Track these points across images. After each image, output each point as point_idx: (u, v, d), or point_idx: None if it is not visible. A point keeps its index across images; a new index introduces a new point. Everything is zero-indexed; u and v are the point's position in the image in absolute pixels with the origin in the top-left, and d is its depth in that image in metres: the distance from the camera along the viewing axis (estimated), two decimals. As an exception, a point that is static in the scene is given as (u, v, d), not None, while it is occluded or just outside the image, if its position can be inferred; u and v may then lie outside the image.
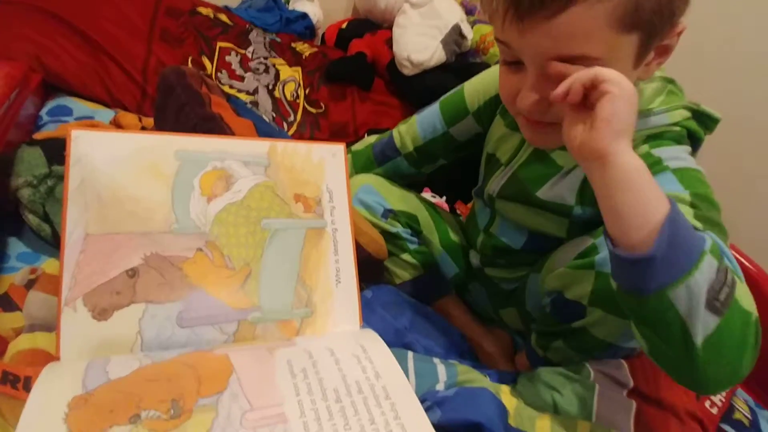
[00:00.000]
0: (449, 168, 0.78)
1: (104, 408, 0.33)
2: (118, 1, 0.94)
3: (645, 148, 0.49)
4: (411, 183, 1.06)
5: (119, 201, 0.45)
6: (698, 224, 0.42)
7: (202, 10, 1.10)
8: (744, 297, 0.36)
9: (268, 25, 1.21)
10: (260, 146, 0.52)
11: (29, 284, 0.48)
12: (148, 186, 0.46)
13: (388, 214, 0.71)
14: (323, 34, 1.37)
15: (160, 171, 0.47)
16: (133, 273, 0.44)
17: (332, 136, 1.13)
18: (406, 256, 0.71)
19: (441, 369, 0.46)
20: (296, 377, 0.39)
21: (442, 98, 0.72)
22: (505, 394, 0.48)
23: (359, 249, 0.57)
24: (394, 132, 0.75)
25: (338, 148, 0.56)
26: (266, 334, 0.47)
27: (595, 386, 0.50)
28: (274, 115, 1.09)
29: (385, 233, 0.69)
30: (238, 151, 0.51)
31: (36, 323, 0.46)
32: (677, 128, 0.51)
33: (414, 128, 0.73)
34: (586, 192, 0.54)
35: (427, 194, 1.05)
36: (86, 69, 0.85)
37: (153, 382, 0.36)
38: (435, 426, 0.38)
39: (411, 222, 0.73)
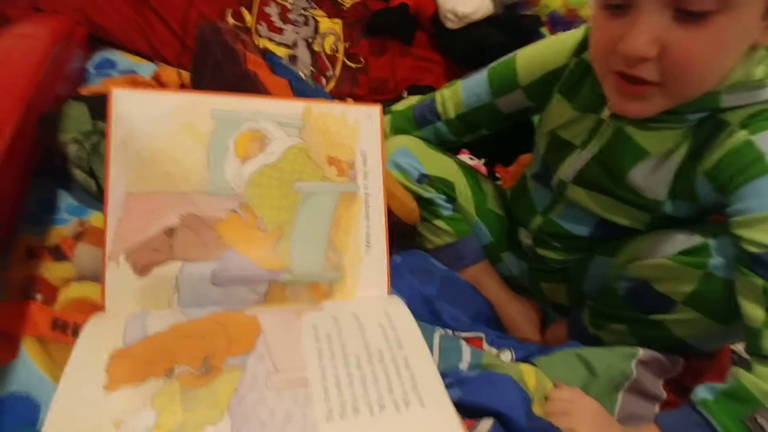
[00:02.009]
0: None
1: (141, 360, 0.35)
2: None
3: (743, 134, 0.43)
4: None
5: (157, 161, 0.46)
6: None
7: (239, -42, 1.07)
8: None
9: (309, -27, 1.17)
10: (295, 107, 0.51)
11: (78, 236, 0.51)
12: (185, 146, 0.47)
13: (423, 179, 0.69)
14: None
15: (196, 130, 0.47)
16: (170, 232, 0.45)
17: (371, 93, 1.10)
18: (439, 222, 0.70)
19: (466, 349, 0.46)
20: (320, 342, 0.39)
21: (491, 65, 0.68)
22: (528, 375, 0.48)
23: (389, 214, 0.56)
24: (437, 95, 0.72)
25: (374, 111, 0.55)
26: (296, 296, 0.48)
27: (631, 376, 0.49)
28: (313, 69, 1.07)
29: (418, 198, 0.68)
30: (272, 112, 0.50)
31: (85, 274, 0.48)
32: None
33: (458, 94, 0.70)
34: (679, 184, 0.49)
35: (465, 156, 1.02)
36: (129, 22, 0.85)
37: (187, 339, 0.38)
38: (454, 404, 0.39)
39: (446, 188, 0.71)
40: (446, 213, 0.72)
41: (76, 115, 0.53)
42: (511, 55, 0.65)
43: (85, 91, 0.66)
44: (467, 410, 0.39)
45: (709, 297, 0.45)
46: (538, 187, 0.66)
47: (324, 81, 1.08)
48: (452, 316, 0.54)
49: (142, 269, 0.44)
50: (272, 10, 1.06)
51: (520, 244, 0.70)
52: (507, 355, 0.54)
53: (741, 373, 0.40)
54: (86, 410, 0.31)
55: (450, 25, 1.06)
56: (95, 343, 0.36)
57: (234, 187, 0.48)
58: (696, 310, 0.47)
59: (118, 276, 0.43)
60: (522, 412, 0.39)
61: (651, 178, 0.50)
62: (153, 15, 0.88)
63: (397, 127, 0.75)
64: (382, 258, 0.52)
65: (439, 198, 0.71)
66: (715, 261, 0.45)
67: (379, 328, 0.43)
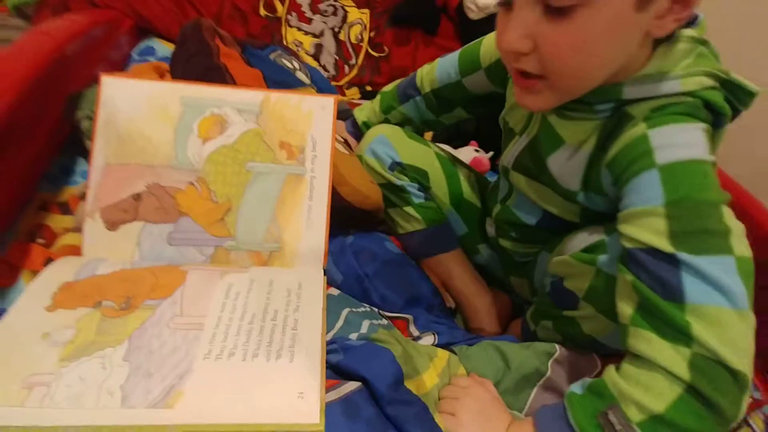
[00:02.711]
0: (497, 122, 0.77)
1: (80, 293, 0.44)
2: (204, -53, 1.04)
3: (642, 128, 0.42)
4: (456, 135, 1.05)
5: (133, 138, 0.56)
6: (666, 244, 0.38)
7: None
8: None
9: (345, -36, 1.23)
10: (255, 96, 0.59)
11: (83, 195, 0.63)
12: (156, 126, 0.56)
13: (396, 166, 0.73)
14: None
15: (167, 114, 0.56)
16: (137, 197, 0.55)
17: (392, 81, 1.14)
18: (409, 209, 0.74)
19: (366, 324, 0.51)
20: (228, 298, 0.47)
21: (465, 46, 0.71)
22: (440, 359, 0.50)
23: (338, 198, 0.62)
24: (418, 71, 0.76)
25: (328, 101, 0.60)
26: (238, 260, 0.56)
27: (545, 374, 0.50)
28: (337, 57, 1.14)
29: (390, 185, 0.72)
30: (234, 100, 0.58)
31: (81, 226, 0.60)
32: (690, 99, 0.43)
33: (434, 71, 0.73)
34: (591, 178, 0.49)
35: (471, 148, 1.03)
36: (169, 13, 0.97)
37: (121, 282, 0.47)
38: (333, 366, 0.44)
39: (419, 177, 0.74)
40: (417, 201, 0.75)
41: (91, 97, 0.65)
42: (482, 37, 0.67)
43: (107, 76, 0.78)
44: (343, 373, 0.44)
45: (600, 294, 0.45)
46: (500, 176, 0.68)
47: (347, 69, 1.14)
48: (382, 297, 0.59)
49: (112, 225, 0.54)
50: (303, 1, 1.13)
51: None
52: (429, 339, 0.57)
53: (609, 369, 0.40)
54: (26, 322, 0.41)
55: (472, 15, 1.07)
56: (53, 275, 0.46)
57: (194, 163, 0.56)
58: (593, 307, 0.47)
59: (94, 229, 0.54)
60: (387, 382, 0.42)
61: (565, 166, 0.50)
62: (190, 7, 0.99)
63: (384, 106, 0.80)
64: (320, 236, 0.58)
65: (410, 186, 0.74)
66: (604, 258, 0.45)
67: (285, 293, 0.49)
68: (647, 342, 0.37)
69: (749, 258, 0.38)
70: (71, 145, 0.67)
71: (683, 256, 0.37)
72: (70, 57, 0.64)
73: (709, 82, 0.43)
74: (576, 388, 0.42)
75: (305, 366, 0.41)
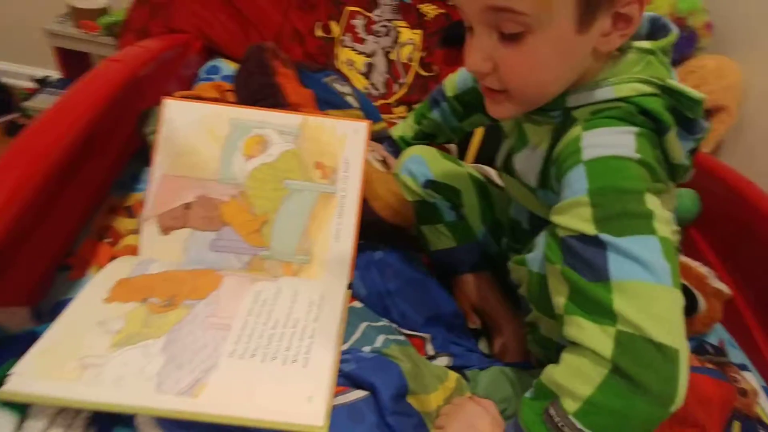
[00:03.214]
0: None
1: (132, 289, 0.51)
2: (269, -25, 1.13)
3: (578, 129, 0.45)
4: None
5: (187, 153, 0.63)
6: (591, 228, 0.39)
7: (340, -24, 1.22)
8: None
9: (402, -14, 1.27)
10: (294, 119, 0.64)
11: (145, 202, 0.71)
12: (207, 144, 0.63)
13: (429, 184, 0.76)
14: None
15: (216, 133, 0.63)
16: (187, 206, 0.62)
17: (439, 100, 1.17)
18: (440, 227, 0.76)
19: (381, 338, 0.54)
20: (256, 303, 0.52)
21: None
22: (450, 380, 0.53)
23: (371, 211, 0.66)
24: (445, 79, 0.80)
25: (361, 126, 0.65)
26: (271, 269, 0.61)
27: None
28: (387, 76, 1.18)
29: (423, 202, 0.75)
30: (276, 122, 0.64)
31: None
32: (623, 104, 0.44)
33: (455, 76, 0.77)
34: (547, 175, 0.51)
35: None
36: (234, 36, 1.06)
37: (166, 281, 0.53)
38: (346, 374, 0.48)
39: (452, 195, 0.76)
40: (449, 219, 0.77)
41: (157, 114, 0.73)
42: None
43: (178, 94, 0.88)
44: (354, 382, 0.48)
45: (534, 293, 0.46)
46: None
47: (396, 87, 1.19)
48: (401, 313, 0.61)
49: (165, 230, 0.61)
50: (358, 23, 1.19)
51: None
52: (444, 360, 0.59)
53: (549, 366, 0.41)
54: (86, 311, 0.48)
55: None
56: (112, 272, 0.54)
57: (237, 178, 0.63)
58: (536, 308, 0.48)
59: (149, 233, 0.61)
60: (391, 393, 0.45)
61: (525, 163, 0.53)
62: (253, 29, 1.08)
63: (417, 116, 0.85)
64: (348, 251, 0.62)
65: (442, 204, 0.77)
66: (532, 255, 0.46)
67: (307, 303, 0.53)
68: (578, 327, 0.38)
69: (672, 240, 0.39)
70: (140, 155, 0.76)
71: (607, 237, 0.38)
72: (141, 80, 0.73)
73: (646, 89, 0.44)
74: (528, 392, 0.43)
75: (317, 372, 0.46)
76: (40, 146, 0.50)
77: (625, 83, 0.44)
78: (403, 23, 1.22)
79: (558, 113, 0.49)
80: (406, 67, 1.19)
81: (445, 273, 0.75)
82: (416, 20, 1.23)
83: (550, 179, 0.50)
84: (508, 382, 0.57)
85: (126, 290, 0.51)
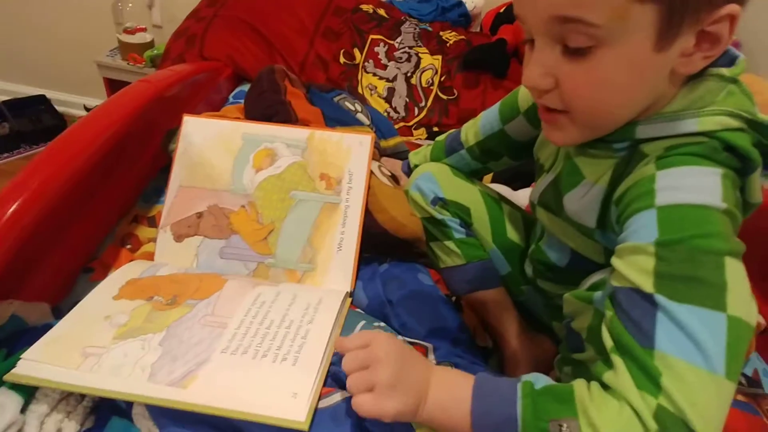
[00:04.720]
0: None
1: (140, 288, 0.55)
2: (296, 6, 1.20)
3: (652, 168, 0.40)
4: (516, 176, 1.06)
5: (202, 165, 0.67)
6: (648, 284, 0.36)
7: (364, 6, 1.28)
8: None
9: (423, 15, 1.33)
10: (302, 133, 0.67)
11: (166, 212, 0.76)
12: (220, 157, 0.67)
13: (438, 201, 0.76)
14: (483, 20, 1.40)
15: (229, 147, 0.67)
16: (199, 215, 0.65)
17: (459, 123, 1.18)
18: (449, 244, 0.76)
19: None
20: (255, 305, 0.54)
21: (505, 97, 0.73)
22: None
23: (376, 225, 0.67)
24: (463, 126, 0.80)
25: (366, 138, 0.67)
26: (276, 276, 0.63)
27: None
28: (408, 100, 1.22)
29: (432, 219, 0.75)
30: (284, 136, 0.67)
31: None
32: (707, 140, 0.40)
33: (477, 123, 0.76)
34: (605, 216, 0.47)
35: (531, 189, 1.02)
36: (261, 62, 1.12)
37: (172, 282, 0.56)
38: (335, 375, 0.48)
39: (461, 213, 0.76)
40: (458, 236, 0.77)
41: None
42: (520, 85, 0.69)
43: (202, 116, 0.94)
44: (342, 384, 0.48)
45: (597, 334, 0.42)
46: (534, 213, 0.68)
47: (416, 110, 1.22)
48: (402, 324, 0.61)
49: (178, 237, 0.65)
50: (380, 49, 1.24)
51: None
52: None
53: (580, 384, 0.38)
54: (96, 306, 0.52)
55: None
56: (124, 273, 0.57)
57: (247, 189, 0.66)
58: (594, 349, 0.45)
59: (164, 240, 0.65)
60: None
61: (580, 203, 0.49)
62: (279, 57, 1.14)
63: (433, 156, 0.84)
64: (350, 260, 0.64)
65: (451, 221, 0.77)
66: (598, 295, 0.43)
67: (304, 307, 0.55)
68: (618, 378, 0.36)
69: (746, 323, 0.34)
70: (165, 170, 0.82)
71: (661, 299, 0.35)
72: (169, 99, 0.79)
73: (732, 122, 0.40)
74: (536, 379, 0.41)
75: (304, 371, 0.46)
76: (68, 150, 0.56)
77: (711, 116, 0.39)
78: (424, 49, 1.26)
79: (623, 146, 0.45)
80: (427, 91, 1.22)
81: (455, 290, 0.74)
82: (437, 46, 1.27)
83: (610, 220, 0.46)
84: None
85: (134, 289, 0.55)
